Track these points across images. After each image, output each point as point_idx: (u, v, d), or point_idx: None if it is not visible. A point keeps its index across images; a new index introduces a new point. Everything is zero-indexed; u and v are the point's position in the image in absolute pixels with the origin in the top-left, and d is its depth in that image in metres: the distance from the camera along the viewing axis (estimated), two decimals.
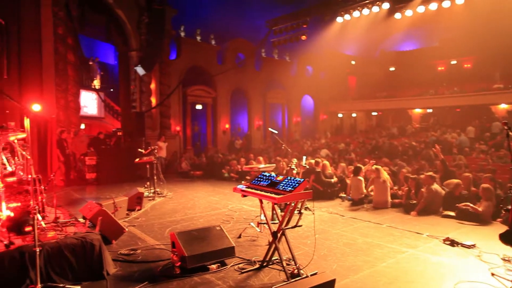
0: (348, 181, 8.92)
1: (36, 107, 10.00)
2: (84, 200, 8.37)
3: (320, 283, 3.50)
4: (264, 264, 4.51)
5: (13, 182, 4.59)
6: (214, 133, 22.01)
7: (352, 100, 27.34)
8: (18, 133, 4.81)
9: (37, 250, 3.48)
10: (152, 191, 9.20)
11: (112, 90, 18.25)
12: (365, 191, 8.24)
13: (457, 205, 6.82)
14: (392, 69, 28.63)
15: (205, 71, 20.89)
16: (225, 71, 20.59)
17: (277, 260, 4.52)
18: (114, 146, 12.86)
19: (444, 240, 5.43)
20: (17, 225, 3.95)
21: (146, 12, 15.34)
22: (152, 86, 17.84)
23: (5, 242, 3.92)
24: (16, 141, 4.80)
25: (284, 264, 4.12)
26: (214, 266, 4.47)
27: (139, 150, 9.82)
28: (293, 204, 4.16)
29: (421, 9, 11.34)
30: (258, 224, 5.66)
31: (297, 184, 3.95)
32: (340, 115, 28.73)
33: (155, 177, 9.33)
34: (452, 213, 6.89)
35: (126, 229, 5.67)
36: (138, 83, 17.34)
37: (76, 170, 11.86)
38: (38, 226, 4.09)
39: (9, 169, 4.57)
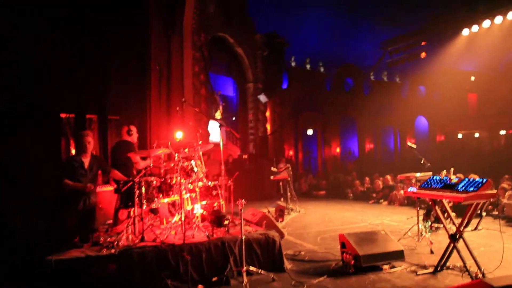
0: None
1: (178, 135, 11.59)
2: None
3: None
4: (439, 269, 4.45)
5: (201, 186, 5.45)
6: (325, 157, 22.18)
7: (475, 118, 24.89)
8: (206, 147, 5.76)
9: (243, 238, 4.09)
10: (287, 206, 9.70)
11: (234, 118, 19.99)
12: None
13: None
14: None
15: (314, 97, 21.50)
16: (333, 97, 20.96)
17: (451, 266, 4.44)
18: (247, 168, 13.95)
19: None
20: (217, 219, 4.68)
21: (266, 46, 16.70)
22: (267, 114, 19.11)
23: (206, 233, 4.67)
24: (201, 153, 5.75)
25: (468, 267, 4.04)
26: (386, 266, 4.59)
27: (272, 169, 10.51)
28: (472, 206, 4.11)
29: None
30: (432, 227, 5.60)
31: (480, 185, 3.92)
32: (459, 136, 26.32)
33: (288, 194, 9.85)
34: None
35: (285, 234, 6.14)
36: (254, 112, 18.76)
37: None
38: (232, 222, 4.79)
39: (199, 175, 5.47)
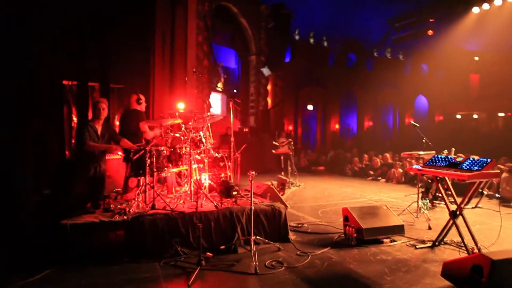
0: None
1: (180, 105, 11.58)
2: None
3: None
4: (437, 244, 4.64)
5: (209, 157, 5.53)
6: (324, 133, 22.28)
7: (476, 99, 24.86)
8: (215, 118, 5.81)
9: (252, 208, 4.22)
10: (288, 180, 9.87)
11: (235, 91, 19.87)
12: None
13: None
14: None
15: (316, 72, 21.31)
16: (336, 72, 20.80)
17: (449, 241, 4.64)
18: (248, 141, 14.04)
19: None
20: (226, 190, 4.80)
21: (271, 18, 16.38)
22: (269, 87, 18.99)
23: (215, 203, 4.80)
24: (209, 125, 5.80)
25: (466, 242, 4.22)
26: (387, 240, 4.77)
27: (274, 142, 10.61)
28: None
29: None
30: (433, 202, 5.78)
31: (485, 164, 4.03)
32: (458, 117, 26.41)
33: (289, 168, 10.00)
34: None
35: (288, 206, 6.30)
36: (256, 85, 18.64)
37: None
38: (239, 193, 4.92)
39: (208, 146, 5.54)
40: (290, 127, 20.50)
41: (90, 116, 10.36)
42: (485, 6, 11.72)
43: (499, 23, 13.88)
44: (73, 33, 8.81)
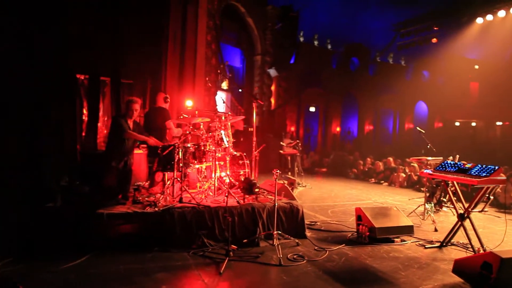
0: None
1: (189, 103, 11.83)
2: None
3: None
4: (444, 244, 4.95)
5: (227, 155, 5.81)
6: (325, 136, 22.60)
7: (475, 107, 25.30)
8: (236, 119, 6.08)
9: (276, 204, 4.50)
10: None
11: (240, 90, 20.13)
12: None
13: None
14: None
15: (319, 74, 21.62)
16: (338, 75, 21.15)
17: (456, 242, 4.96)
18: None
19: None
20: (249, 186, 5.08)
21: (278, 19, 16.66)
22: (272, 88, 19.28)
23: (237, 199, 5.08)
24: (229, 124, 6.08)
25: (473, 243, 4.54)
26: (397, 239, 5.08)
27: (281, 143, 10.90)
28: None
29: None
30: (440, 206, 6.11)
31: (492, 171, 4.34)
32: (457, 124, 26.88)
33: (296, 168, 10.29)
34: None
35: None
36: (260, 85, 18.93)
37: None
38: (261, 190, 5.21)
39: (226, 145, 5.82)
40: (292, 128, 20.80)
41: (101, 110, 10.55)
42: (489, 17, 12.07)
43: (500, 33, 14.27)
44: (87, 27, 9.02)
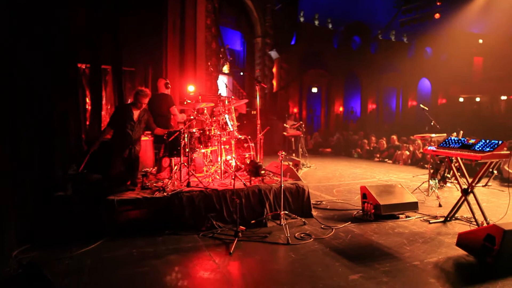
0: None
1: (191, 88, 11.83)
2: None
3: None
4: (448, 219, 5.04)
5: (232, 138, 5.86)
6: (328, 116, 22.56)
7: (479, 82, 25.03)
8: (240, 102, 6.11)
9: (282, 185, 4.59)
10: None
11: (242, 74, 20.02)
12: None
13: None
14: None
15: (321, 54, 21.42)
16: (340, 55, 20.94)
17: (460, 217, 5.04)
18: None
19: None
20: (255, 169, 5.16)
21: (279, 0, 16.42)
22: (274, 70, 19.17)
23: (243, 181, 5.17)
24: (233, 108, 6.12)
25: (476, 217, 4.61)
26: (402, 216, 5.17)
27: (284, 125, 10.93)
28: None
29: None
30: (444, 182, 6.18)
31: (496, 146, 4.37)
32: (461, 100, 26.66)
33: (300, 150, 10.35)
34: None
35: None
36: (262, 67, 18.82)
37: None
38: (267, 172, 5.28)
39: (231, 129, 5.87)
40: (295, 110, 20.75)
41: (104, 99, 10.56)
42: None
43: (505, 6, 14.01)
44: (87, 15, 8.95)
